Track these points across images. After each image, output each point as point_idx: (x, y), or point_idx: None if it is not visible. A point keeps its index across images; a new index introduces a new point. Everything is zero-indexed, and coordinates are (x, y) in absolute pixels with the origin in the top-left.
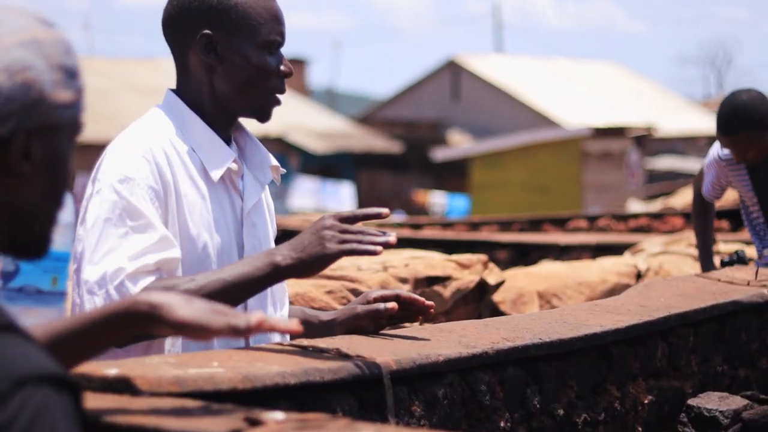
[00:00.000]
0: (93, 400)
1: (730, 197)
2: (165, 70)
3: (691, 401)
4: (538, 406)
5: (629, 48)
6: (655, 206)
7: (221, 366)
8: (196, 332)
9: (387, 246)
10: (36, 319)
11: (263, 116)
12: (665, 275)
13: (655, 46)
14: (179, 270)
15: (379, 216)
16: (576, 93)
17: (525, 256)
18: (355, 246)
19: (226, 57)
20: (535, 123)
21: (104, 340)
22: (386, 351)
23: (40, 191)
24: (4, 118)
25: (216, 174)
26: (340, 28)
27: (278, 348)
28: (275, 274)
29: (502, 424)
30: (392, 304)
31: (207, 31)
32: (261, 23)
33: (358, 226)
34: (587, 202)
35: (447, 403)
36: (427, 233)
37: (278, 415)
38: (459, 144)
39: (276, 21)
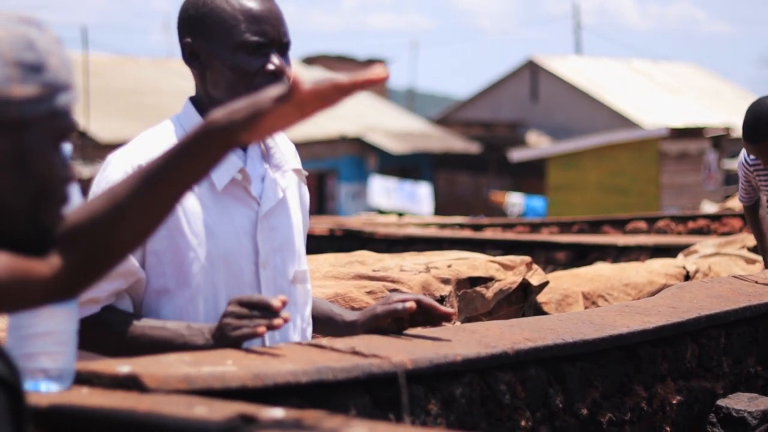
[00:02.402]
0: (101, 397)
1: None
2: None
3: (720, 402)
4: (560, 405)
5: (711, 49)
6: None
7: (235, 364)
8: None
9: (271, 328)
10: (47, 319)
11: None
12: (714, 277)
13: (737, 47)
14: (160, 287)
15: (269, 307)
16: (654, 94)
17: (584, 257)
18: (244, 331)
19: (207, 63)
20: (614, 124)
21: (192, 167)
22: (404, 351)
23: (8, 188)
24: None
25: (220, 183)
26: (421, 28)
27: (296, 347)
28: (197, 350)
29: (523, 423)
30: (410, 304)
31: (188, 40)
32: (233, 25)
33: (249, 311)
34: (664, 203)
35: (465, 402)
36: (488, 234)
37: (277, 413)
38: (537, 145)
39: (253, 20)
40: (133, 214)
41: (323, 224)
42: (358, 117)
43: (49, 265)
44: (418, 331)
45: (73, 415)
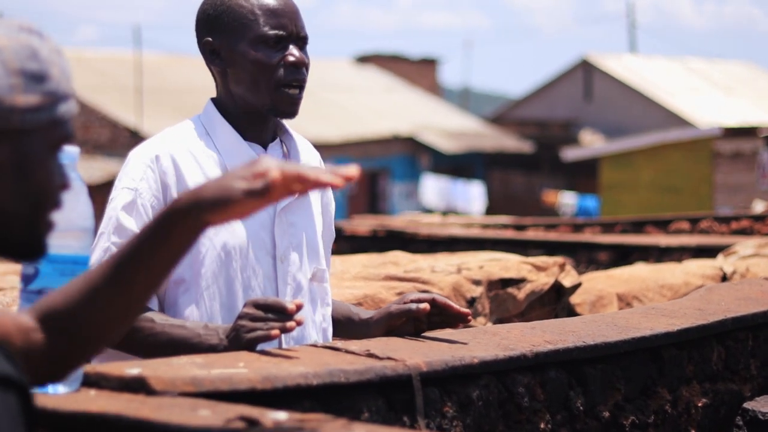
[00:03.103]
0: (108, 399)
1: None
2: (309, 74)
3: (747, 404)
4: (581, 408)
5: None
6: None
7: (246, 367)
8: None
9: (284, 330)
10: None
11: (281, 112)
12: (752, 278)
13: None
14: (176, 277)
15: (284, 310)
16: (709, 93)
17: (626, 257)
18: (258, 334)
19: (229, 60)
20: (668, 123)
21: (161, 252)
22: (419, 353)
23: (8, 194)
24: None
25: None
26: (476, 26)
27: (310, 349)
28: (209, 351)
29: (542, 426)
30: (424, 305)
31: (208, 39)
32: (252, 20)
33: (264, 314)
34: (717, 203)
35: (482, 404)
36: (530, 235)
37: (280, 415)
38: (590, 144)
39: (271, 15)
40: (104, 300)
41: (366, 224)
42: (411, 116)
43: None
44: (437, 333)
45: (73, 417)
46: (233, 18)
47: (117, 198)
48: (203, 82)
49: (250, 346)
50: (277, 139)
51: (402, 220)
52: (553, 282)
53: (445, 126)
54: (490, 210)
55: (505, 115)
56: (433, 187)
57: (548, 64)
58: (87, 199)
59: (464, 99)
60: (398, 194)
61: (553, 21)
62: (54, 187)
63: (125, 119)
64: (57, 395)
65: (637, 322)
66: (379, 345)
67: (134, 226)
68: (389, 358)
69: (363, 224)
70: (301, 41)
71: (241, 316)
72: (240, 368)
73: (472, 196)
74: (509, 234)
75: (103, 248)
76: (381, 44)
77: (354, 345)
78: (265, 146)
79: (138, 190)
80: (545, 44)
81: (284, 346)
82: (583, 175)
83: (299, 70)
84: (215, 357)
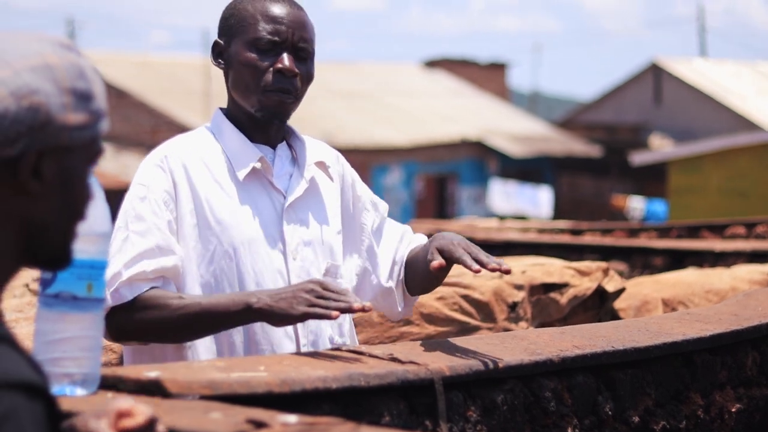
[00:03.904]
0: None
1: None
2: (366, 75)
3: None
4: (610, 412)
5: None
6: None
7: (267, 370)
8: None
9: (347, 311)
10: (72, 324)
11: (268, 114)
12: None
13: None
14: (186, 272)
15: (350, 306)
16: None
17: (680, 262)
18: (317, 310)
19: (228, 61)
20: (738, 127)
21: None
22: (443, 357)
23: (53, 208)
24: (11, 139)
25: (241, 174)
26: (546, 30)
27: (332, 353)
28: (246, 312)
29: (569, 430)
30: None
31: (217, 40)
32: (251, 24)
33: (333, 293)
34: None
35: (507, 408)
36: (587, 239)
37: (290, 419)
38: (660, 148)
39: (270, 20)
40: None
41: (423, 228)
42: (479, 120)
43: None
44: (465, 338)
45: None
46: (237, 20)
47: (130, 194)
48: None
49: (301, 318)
50: (284, 142)
51: (459, 224)
52: (596, 287)
53: (513, 130)
54: (558, 214)
55: (574, 119)
56: (500, 192)
57: (618, 68)
58: (104, 204)
59: (533, 103)
60: (466, 198)
61: (623, 24)
62: (88, 201)
63: (193, 123)
64: (74, 397)
65: (670, 328)
66: (404, 349)
67: (149, 215)
68: (412, 362)
69: (419, 228)
70: (300, 51)
71: (304, 289)
72: (260, 372)
73: (540, 200)
74: (565, 239)
75: (122, 239)
76: (450, 48)
77: (377, 349)
78: (273, 148)
79: (149, 187)
80: (615, 48)
81: (301, 341)
82: (652, 180)
83: (287, 78)
84: (236, 361)
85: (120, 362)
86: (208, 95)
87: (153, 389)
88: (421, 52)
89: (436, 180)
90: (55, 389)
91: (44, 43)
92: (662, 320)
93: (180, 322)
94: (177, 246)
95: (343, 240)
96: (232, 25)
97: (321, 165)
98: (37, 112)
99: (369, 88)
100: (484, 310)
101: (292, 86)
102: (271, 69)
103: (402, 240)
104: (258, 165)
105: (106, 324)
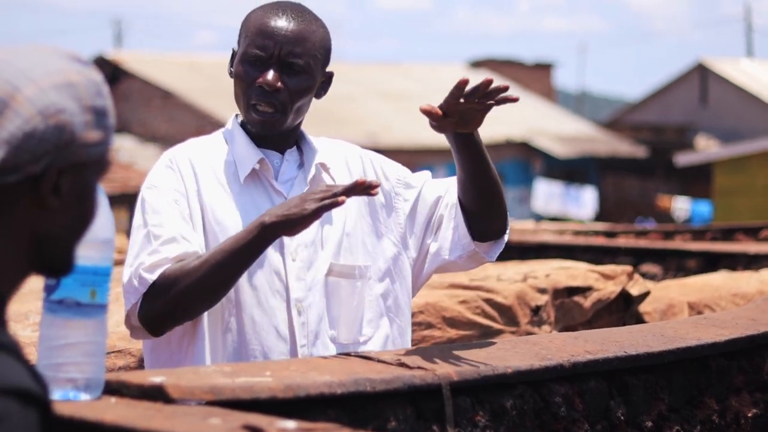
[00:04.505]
0: (125, 407)
1: None
2: (414, 76)
3: None
4: (622, 417)
5: None
6: None
7: (273, 376)
8: None
9: (351, 190)
10: (75, 330)
11: (255, 128)
12: None
13: None
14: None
15: (370, 187)
16: None
17: (714, 265)
18: (326, 201)
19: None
20: None
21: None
22: (452, 362)
23: (66, 222)
24: (38, 157)
25: (242, 174)
26: (593, 30)
27: (340, 359)
28: (263, 231)
29: None
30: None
31: (234, 47)
32: (247, 36)
33: (332, 186)
34: None
35: (516, 413)
36: (621, 242)
37: (289, 424)
38: (706, 149)
39: (260, 34)
40: None
41: None
42: (524, 121)
43: None
44: (476, 343)
45: (83, 426)
46: (242, 30)
47: (143, 196)
48: (341, 89)
49: (316, 213)
50: (294, 146)
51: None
52: (621, 291)
53: (558, 131)
54: (603, 215)
55: (619, 119)
56: (545, 192)
57: (664, 68)
58: (108, 211)
59: (580, 103)
60: (511, 199)
61: (670, 24)
62: (95, 214)
63: None
64: (77, 402)
65: (686, 332)
66: (413, 354)
67: (165, 208)
68: (420, 368)
69: None
70: (291, 65)
71: (312, 191)
72: (266, 377)
73: (584, 201)
74: (600, 241)
75: (143, 234)
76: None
77: (386, 355)
78: (282, 153)
79: (159, 187)
80: (661, 48)
81: (300, 342)
82: (698, 181)
83: (269, 93)
84: (243, 366)
85: (139, 365)
86: None
87: (156, 394)
88: (467, 52)
89: None
90: (59, 394)
91: (63, 58)
92: (678, 325)
93: (206, 277)
94: (194, 233)
95: (380, 233)
96: (239, 34)
97: (323, 166)
98: (62, 131)
99: (415, 88)
100: (507, 313)
101: (276, 101)
102: (255, 84)
103: (439, 203)
104: (257, 166)
105: (140, 319)
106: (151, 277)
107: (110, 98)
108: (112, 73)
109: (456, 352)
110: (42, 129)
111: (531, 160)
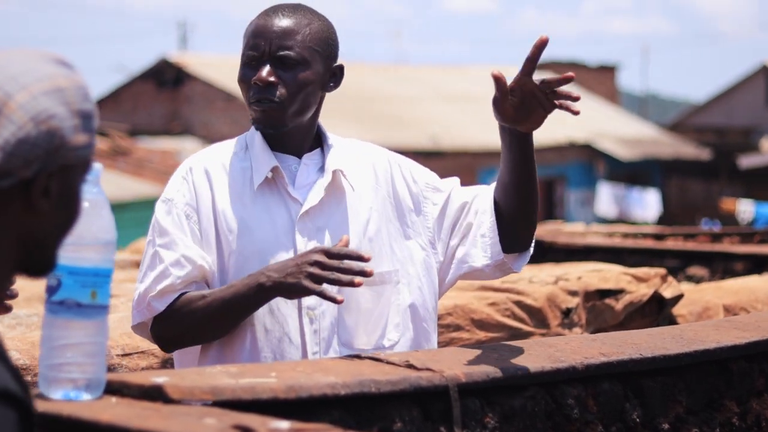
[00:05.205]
0: (125, 407)
1: None
2: (474, 78)
3: None
4: (638, 420)
5: None
6: None
7: (278, 377)
8: None
9: (349, 284)
10: (76, 331)
11: (260, 126)
12: None
13: None
14: (216, 273)
15: (361, 258)
16: None
17: (761, 267)
18: (325, 292)
19: None
20: None
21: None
22: (461, 364)
23: (53, 224)
24: (30, 162)
25: (256, 182)
26: (660, 31)
27: (347, 360)
28: (261, 291)
29: None
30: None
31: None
32: (246, 38)
33: (339, 262)
34: None
35: (527, 415)
36: (668, 244)
37: (282, 425)
38: None
39: (251, 35)
40: None
41: None
42: (588, 123)
43: None
44: (488, 345)
45: (79, 425)
46: (243, 39)
47: (156, 209)
48: (384, 90)
49: (304, 292)
50: (317, 149)
51: (543, 229)
52: (653, 293)
53: (621, 133)
54: (666, 218)
55: (683, 122)
56: (608, 195)
57: (729, 70)
58: (109, 213)
59: (644, 105)
60: (574, 201)
61: (736, 26)
62: (80, 213)
63: None
64: (78, 402)
65: (705, 335)
66: (422, 356)
67: (173, 228)
68: (427, 369)
69: None
70: (278, 61)
71: (308, 261)
72: (270, 378)
73: (648, 203)
74: (647, 243)
75: (150, 254)
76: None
77: (395, 356)
78: (300, 157)
79: (173, 201)
80: (727, 50)
81: (312, 349)
82: (762, 183)
83: (264, 88)
84: (249, 367)
85: (161, 366)
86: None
87: (155, 395)
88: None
89: (544, 183)
90: (61, 394)
91: (50, 63)
92: (699, 328)
93: (209, 320)
94: (203, 253)
95: (409, 237)
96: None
97: (340, 172)
98: (53, 136)
99: (476, 91)
100: (536, 316)
101: (272, 95)
102: (252, 83)
103: (465, 208)
104: (269, 175)
105: (153, 337)
106: (159, 308)
107: (94, 101)
108: (176, 75)
109: (466, 354)
110: (34, 135)
111: (594, 162)
